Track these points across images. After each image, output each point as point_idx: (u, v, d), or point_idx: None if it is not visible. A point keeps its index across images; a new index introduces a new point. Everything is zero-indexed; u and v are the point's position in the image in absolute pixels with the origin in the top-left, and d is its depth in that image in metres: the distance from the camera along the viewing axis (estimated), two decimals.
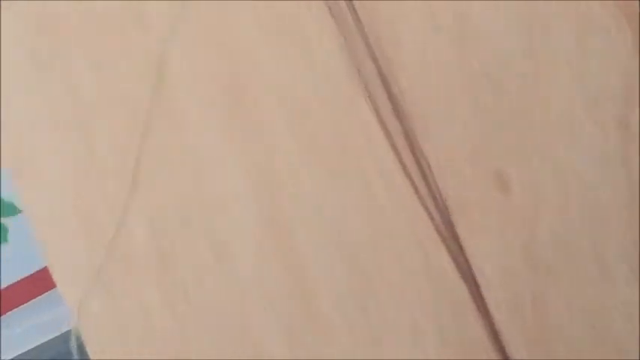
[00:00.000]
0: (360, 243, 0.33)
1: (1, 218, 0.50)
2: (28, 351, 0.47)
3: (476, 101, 0.34)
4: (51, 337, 0.47)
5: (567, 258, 0.33)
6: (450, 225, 0.33)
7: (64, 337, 0.47)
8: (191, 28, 0.34)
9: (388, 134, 0.33)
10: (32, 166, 0.33)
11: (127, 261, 0.33)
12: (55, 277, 0.33)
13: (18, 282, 0.48)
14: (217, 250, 0.33)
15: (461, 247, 0.33)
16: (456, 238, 0.33)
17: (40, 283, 0.49)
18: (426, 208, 0.33)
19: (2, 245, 0.50)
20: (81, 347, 0.32)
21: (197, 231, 0.33)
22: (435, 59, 0.34)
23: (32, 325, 0.47)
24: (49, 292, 0.49)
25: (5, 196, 0.50)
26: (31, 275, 0.48)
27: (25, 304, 0.49)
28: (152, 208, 0.33)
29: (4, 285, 0.49)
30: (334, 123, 0.34)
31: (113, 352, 0.33)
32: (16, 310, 0.49)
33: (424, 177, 0.33)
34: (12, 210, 0.50)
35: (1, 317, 0.48)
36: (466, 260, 0.33)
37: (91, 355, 0.33)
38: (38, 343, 0.47)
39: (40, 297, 0.48)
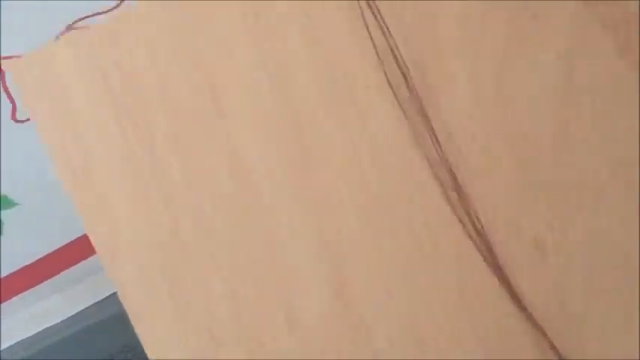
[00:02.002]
0: (419, 314, 0.35)
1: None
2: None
3: (518, 166, 0.36)
4: (46, 326, 0.48)
5: (598, 311, 0.36)
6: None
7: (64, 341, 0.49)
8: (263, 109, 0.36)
9: (448, 200, 0.36)
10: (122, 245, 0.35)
11: (206, 319, 0.35)
12: None
13: (13, 273, 0.50)
14: (289, 315, 0.35)
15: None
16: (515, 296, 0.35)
17: (34, 274, 0.50)
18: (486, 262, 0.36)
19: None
20: None
21: (270, 296, 0.35)
22: (481, 124, 0.36)
23: (28, 314, 0.49)
24: (43, 282, 0.50)
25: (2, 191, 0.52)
26: (25, 267, 0.50)
27: (21, 294, 0.50)
28: (229, 268, 0.35)
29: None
30: (394, 193, 0.36)
31: None
32: (13, 299, 0.50)
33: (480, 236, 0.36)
34: (9, 204, 0.51)
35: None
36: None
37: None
38: (34, 332, 0.48)
39: (35, 287, 0.50)
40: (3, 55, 0.54)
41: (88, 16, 0.56)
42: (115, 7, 0.56)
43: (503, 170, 0.36)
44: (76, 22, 0.56)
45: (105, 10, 0.56)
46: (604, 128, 0.36)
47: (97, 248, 0.35)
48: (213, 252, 0.35)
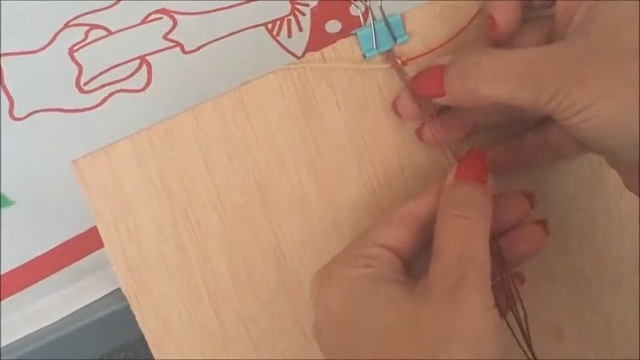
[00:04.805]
0: None
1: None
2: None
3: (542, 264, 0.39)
4: (43, 325, 0.48)
5: None
6: None
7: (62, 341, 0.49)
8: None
9: None
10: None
11: None
12: None
13: (9, 272, 0.50)
14: None
15: None
16: None
17: (30, 273, 0.50)
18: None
19: None
20: None
21: None
22: None
23: (25, 313, 0.48)
24: (42, 280, 0.50)
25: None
26: (21, 266, 0.50)
27: (20, 292, 0.50)
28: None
29: None
30: None
31: None
32: (11, 296, 0.50)
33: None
34: (5, 202, 0.51)
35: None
36: None
37: None
38: (33, 330, 0.48)
39: (33, 285, 0.50)
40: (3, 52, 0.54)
41: (86, 13, 0.56)
42: (112, 5, 0.56)
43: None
44: (74, 19, 0.56)
45: (102, 7, 0.56)
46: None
47: (146, 337, 0.38)
48: (250, 332, 0.38)
